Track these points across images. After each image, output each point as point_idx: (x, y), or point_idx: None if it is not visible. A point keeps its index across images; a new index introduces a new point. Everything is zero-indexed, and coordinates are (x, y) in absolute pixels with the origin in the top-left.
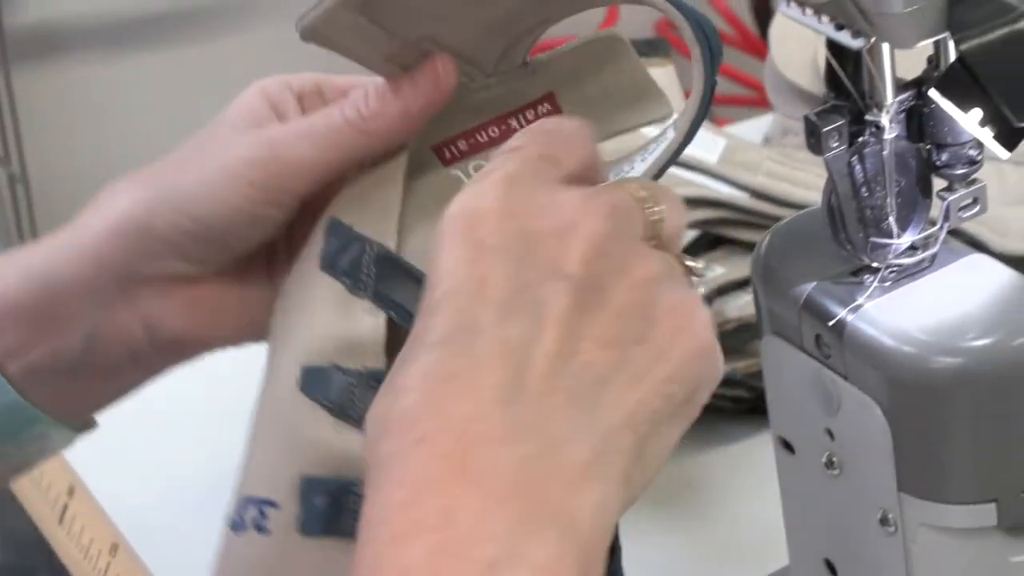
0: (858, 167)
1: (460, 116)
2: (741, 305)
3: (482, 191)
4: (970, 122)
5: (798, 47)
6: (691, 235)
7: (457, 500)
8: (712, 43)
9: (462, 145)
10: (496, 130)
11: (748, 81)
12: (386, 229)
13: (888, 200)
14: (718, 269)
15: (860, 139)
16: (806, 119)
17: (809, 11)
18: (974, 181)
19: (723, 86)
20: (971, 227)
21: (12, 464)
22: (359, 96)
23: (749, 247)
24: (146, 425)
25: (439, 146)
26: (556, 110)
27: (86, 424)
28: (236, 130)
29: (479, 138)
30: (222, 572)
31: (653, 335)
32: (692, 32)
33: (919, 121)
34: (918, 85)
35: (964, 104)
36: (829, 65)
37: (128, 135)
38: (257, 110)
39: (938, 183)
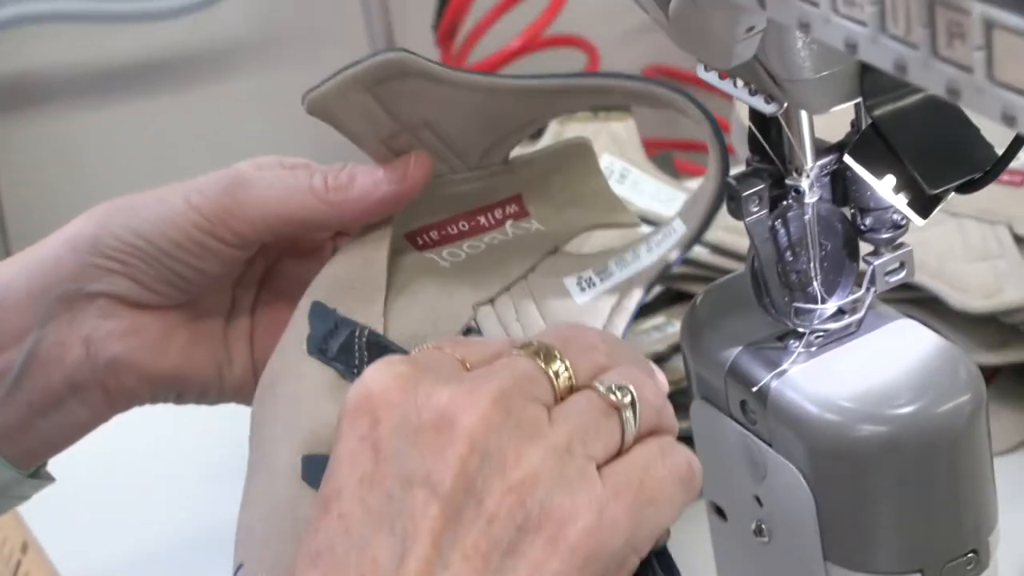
0: (782, 231)
1: (437, 205)
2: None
3: (377, 372)
4: (885, 189)
5: None
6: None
7: None
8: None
9: (434, 235)
10: (465, 224)
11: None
12: (373, 313)
13: (812, 265)
14: (678, 324)
15: (783, 203)
16: (726, 183)
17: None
18: (900, 245)
19: (690, 128)
20: (931, 283)
21: None
22: (331, 169)
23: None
24: (102, 482)
25: (412, 234)
26: (522, 211)
27: (38, 474)
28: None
29: (449, 230)
30: None
31: (526, 546)
32: (711, 130)
33: (843, 184)
34: (840, 148)
35: (878, 170)
36: (751, 129)
37: (108, 184)
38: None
39: (865, 247)
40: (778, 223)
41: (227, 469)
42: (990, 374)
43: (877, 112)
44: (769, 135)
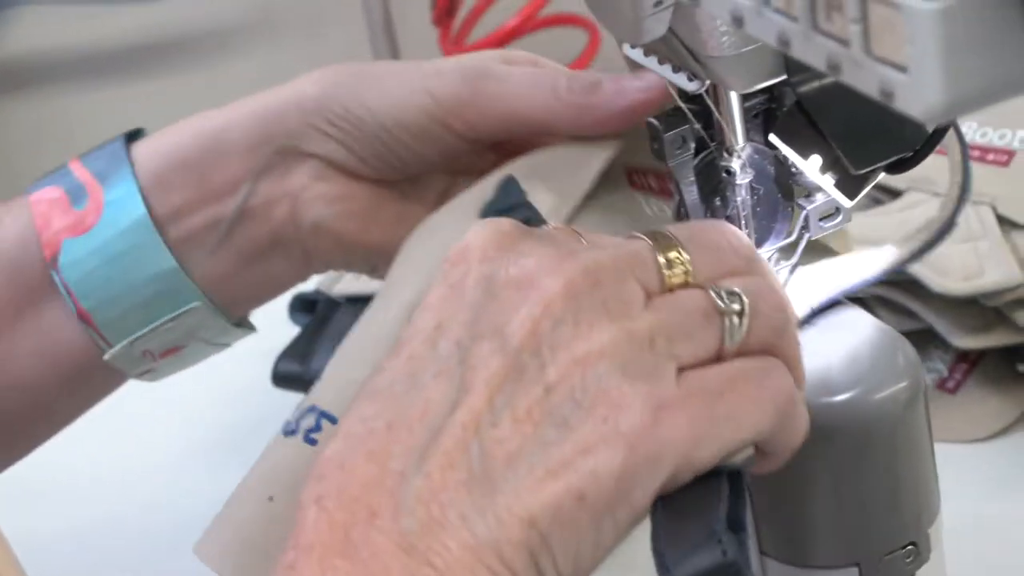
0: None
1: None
2: None
3: (482, 227)
4: (811, 169)
5: None
6: None
7: (332, 574)
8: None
9: (652, 182)
10: (655, 183)
11: None
12: (560, 212)
13: (743, 214)
14: None
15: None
16: (648, 124)
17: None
18: None
19: None
20: (911, 266)
21: (166, 341)
22: (577, 73)
23: None
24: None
25: (632, 170)
26: None
27: (241, 323)
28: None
29: (669, 185)
30: (258, 469)
31: (580, 423)
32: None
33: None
34: (769, 91)
35: (804, 150)
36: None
37: None
38: None
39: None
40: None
41: (199, 458)
42: (975, 358)
43: (802, 90)
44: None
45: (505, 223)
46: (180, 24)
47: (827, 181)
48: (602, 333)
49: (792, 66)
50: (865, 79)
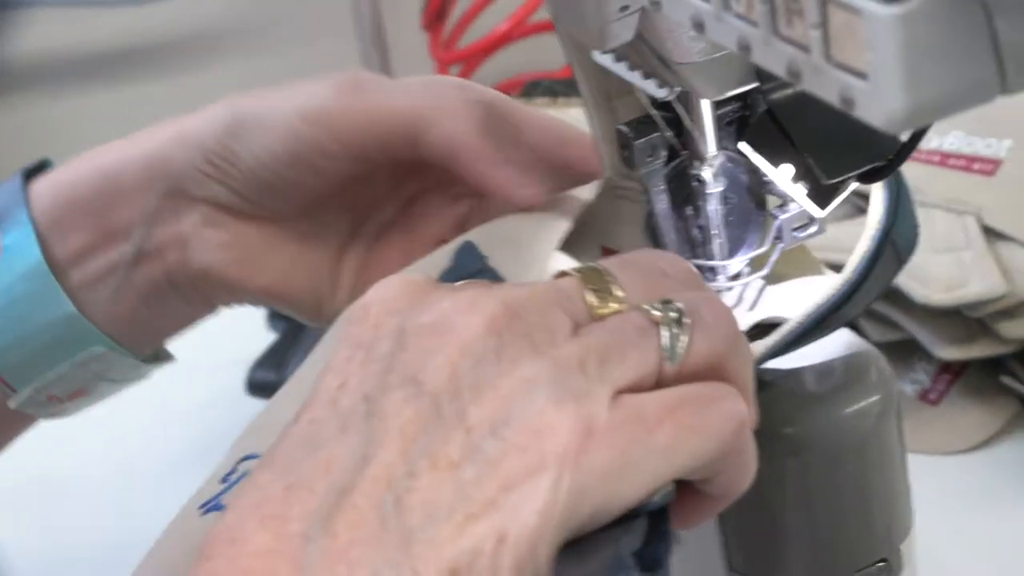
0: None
1: (632, 221)
2: None
3: (386, 283)
4: (782, 179)
5: None
6: None
7: None
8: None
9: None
10: None
11: None
12: (527, 277)
13: (718, 244)
14: None
15: (690, 184)
16: (617, 130)
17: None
18: None
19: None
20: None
21: (72, 385)
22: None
23: None
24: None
25: (608, 251)
26: None
27: (158, 355)
28: None
29: None
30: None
31: (502, 456)
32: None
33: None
34: (742, 97)
35: (774, 159)
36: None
37: None
38: None
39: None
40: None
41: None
42: (958, 369)
43: (773, 97)
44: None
45: (395, 278)
46: (168, 28)
47: (799, 191)
48: (527, 364)
49: (764, 73)
50: (826, 86)
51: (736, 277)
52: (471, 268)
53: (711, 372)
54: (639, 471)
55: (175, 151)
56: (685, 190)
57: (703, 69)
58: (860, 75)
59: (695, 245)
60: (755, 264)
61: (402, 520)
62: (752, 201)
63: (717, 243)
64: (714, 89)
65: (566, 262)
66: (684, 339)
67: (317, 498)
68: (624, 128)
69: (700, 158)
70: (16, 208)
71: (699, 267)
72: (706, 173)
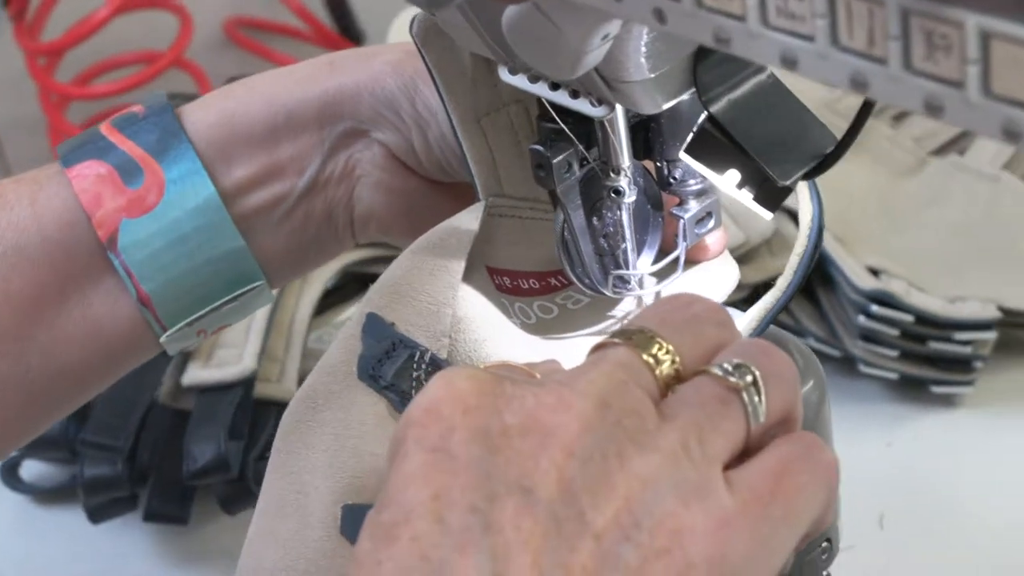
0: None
1: (518, 237)
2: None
3: (443, 381)
4: (727, 184)
5: None
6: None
7: None
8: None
9: (507, 281)
10: (536, 283)
11: None
12: (437, 330)
13: (629, 251)
14: None
15: (600, 198)
16: (533, 150)
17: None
18: (706, 194)
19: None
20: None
21: (223, 319)
22: None
23: None
24: None
25: (492, 271)
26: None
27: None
28: None
29: (520, 284)
30: None
31: (646, 562)
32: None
33: (644, 137)
34: None
35: (719, 166)
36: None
37: None
38: None
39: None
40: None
41: None
42: None
43: (715, 106)
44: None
45: (464, 370)
46: None
47: (745, 196)
48: (636, 461)
49: (702, 83)
50: (981, 120)
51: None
52: (384, 344)
53: (783, 419)
54: (773, 547)
55: (364, 95)
56: (593, 198)
57: (646, 86)
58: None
59: (603, 255)
60: (665, 267)
61: None
62: (649, 203)
63: (629, 250)
64: (655, 103)
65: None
66: (763, 401)
67: None
68: (540, 148)
69: (615, 169)
70: (175, 140)
71: (617, 279)
72: (623, 183)
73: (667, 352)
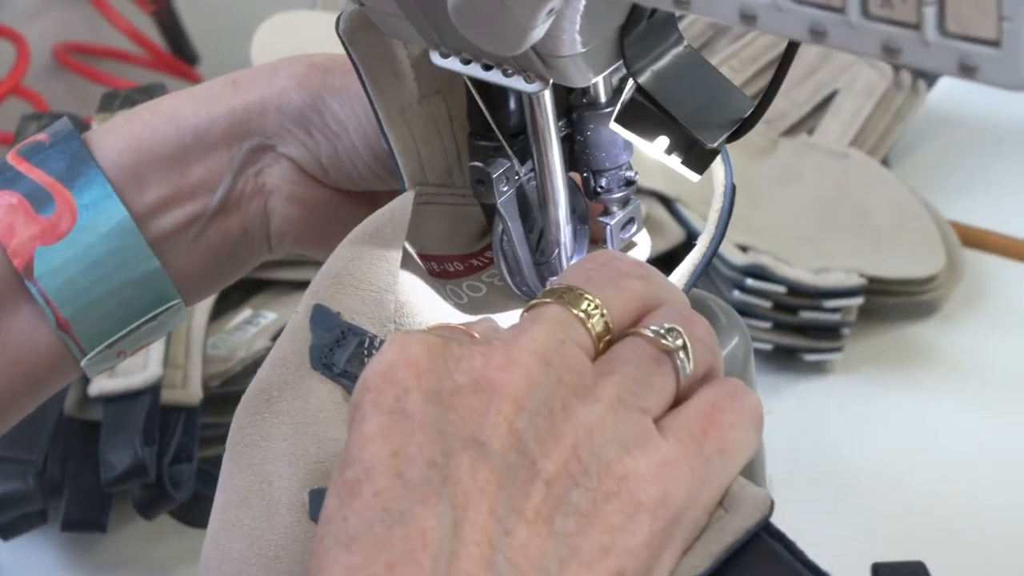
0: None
1: (442, 224)
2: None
3: (397, 346)
4: (656, 151)
5: None
6: None
7: None
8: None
9: (434, 266)
10: (460, 264)
11: None
12: (381, 316)
13: (558, 237)
14: (269, 315)
15: (519, 178)
16: (473, 167)
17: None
18: (628, 200)
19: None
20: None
21: (141, 340)
22: None
23: (295, 285)
24: None
25: (422, 255)
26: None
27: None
28: None
29: (447, 267)
30: None
31: (595, 506)
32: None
33: (570, 148)
34: (567, 114)
35: (648, 134)
36: (478, 110)
37: None
38: None
39: None
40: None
41: None
42: None
43: (642, 77)
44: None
45: (414, 335)
46: None
47: (674, 160)
48: (580, 412)
49: (629, 55)
50: (938, 58)
51: None
52: (334, 333)
53: (706, 377)
54: (710, 481)
55: (270, 110)
56: (523, 209)
57: (578, 60)
58: (988, 43)
59: (540, 263)
60: None
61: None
62: (575, 214)
63: (564, 257)
64: (587, 76)
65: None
66: (691, 361)
67: (426, 572)
68: (479, 164)
69: (548, 176)
70: (83, 166)
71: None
72: (555, 190)
73: (595, 307)
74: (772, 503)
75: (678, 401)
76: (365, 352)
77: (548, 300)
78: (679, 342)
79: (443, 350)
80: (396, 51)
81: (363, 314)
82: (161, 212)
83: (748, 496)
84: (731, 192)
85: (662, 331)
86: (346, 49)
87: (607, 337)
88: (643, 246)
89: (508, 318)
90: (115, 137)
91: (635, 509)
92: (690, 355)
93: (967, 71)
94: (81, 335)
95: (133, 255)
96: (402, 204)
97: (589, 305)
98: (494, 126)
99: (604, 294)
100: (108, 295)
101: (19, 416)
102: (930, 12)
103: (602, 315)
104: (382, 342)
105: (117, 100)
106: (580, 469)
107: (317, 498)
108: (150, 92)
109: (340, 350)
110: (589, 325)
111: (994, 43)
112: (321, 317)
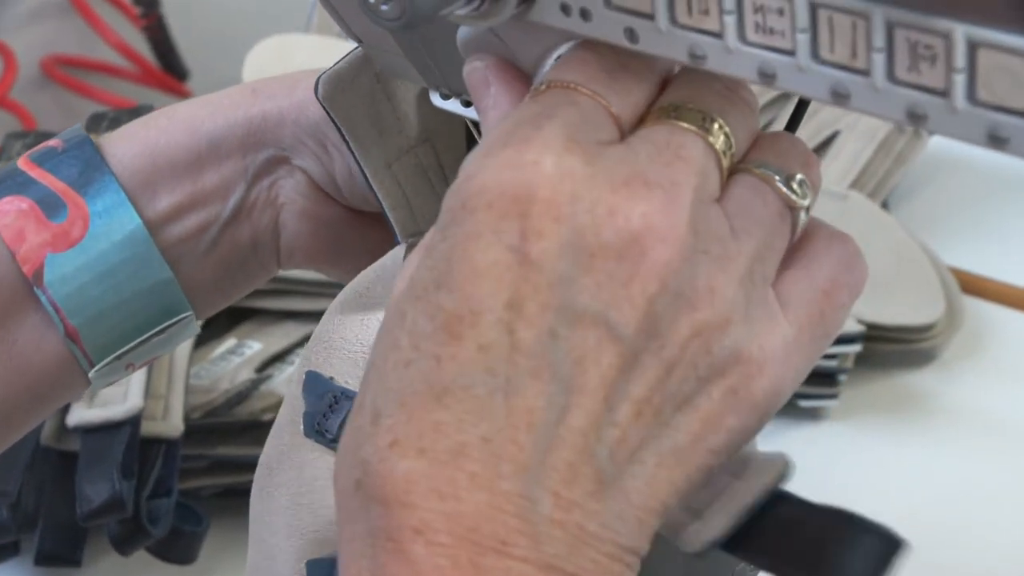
0: None
1: None
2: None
3: (529, 159)
4: None
5: None
6: None
7: None
8: None
9: None
10: None
11: None
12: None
13: None
14: (254, 345)
15: None
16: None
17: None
18: None
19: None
20: None
21: (152, 352)
22: None
23: (281, 315)
24: None
25: None
26: None
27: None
28: None
29: None
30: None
31: (702, 397)
32: None
33: None
34: None
35: None
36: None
37: None
38: None
39: None
40: None
41: None
42: None
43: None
44: None
45: (550, 149)
46: None
47: None
48: (722, 291)
49: None
50: (966, 126)
51: None
52: (326, 399)
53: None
54: (812, 365)
55: (288, 121)
56: None
57: None
58: (1020, 114)
59: None
60: None
61: (615, 471)
62: None
63: None
64: None
65: None
66: (806, 218)
67: (524, 454)
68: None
69: None
70: (97, 172)
71: None
72: None
73: (726, 137)
74: (788, 463)
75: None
76: None
77: (687, 126)
78: (807, 201)
79: (590, 190)
80: (380, 107)
81: (356, 377)
82: (174, 220)
83: (764, 457)
84: None
85: (794, 183)
86: (327, 112)
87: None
88: None
89: None
90: (129, 143)
91: (745, 401)
92: (806, 213)
93: (997, 142)
94: (90, 345)
95: (145, 264)
96: (392, 260)
97: (722, 138)
98: None
99: (732, 123)
100: (119, 305)
101: (25, 429)
102: (960, 80)
103: (732, 152)
104: None
105: (105, 121)
106: (707, 357)
107: (313, 568)
108: (139, 113)
109: (333, 416)
110: (724, 166)
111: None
112: (313, 383)
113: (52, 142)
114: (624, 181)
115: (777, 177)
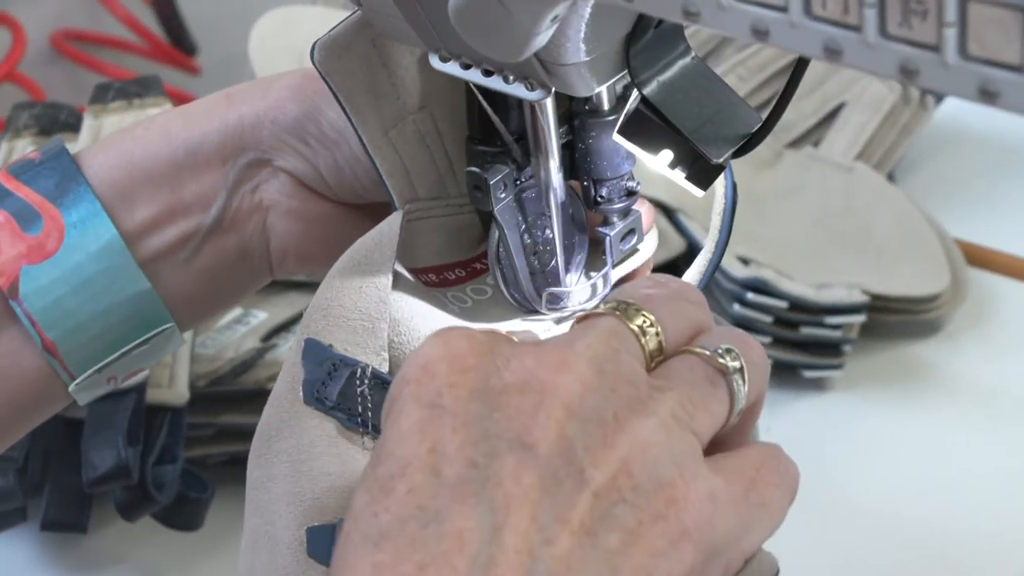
0: (519, 215)
1: (435, 237)
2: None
3: (439, 340)
4: (660, 165)
5: (284, 59)
6: None
7: None
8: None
9: (432, 277)
10: (462, 271)
11: (180, 96)
12: (374, 345)
13: (557, 246)
14: (260, 314)
15: (519, 185)
16: (470, 172)
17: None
18: (629, 211)
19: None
20: None
21: (134, 364)
22: None
23: (286, 285)
24: None
25: (415, 270)
26: None
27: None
28: None
29: (447, 275)
30: None
31: (642, 526)
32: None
33: (570, 156)
34: (569, 120)
35: (652, 147)
36: (479, 113)
37: None
38: None
39: None
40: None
41: None
42: None
43: (648, 89)
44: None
45: (455, 332)
46: None
47: (678, 175)
48: (634, 425)
49: (635, 65)
50: (958, 81)
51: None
52: (325, 366)
53: (753, 407)
54: (750, 532)
55: (265, 124)
56: (523, 216)
57: (582, 68)
58: (1012, 68)
59: (535, 273)
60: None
61: None
62: (574, 224)
63: (562, 267)
64: (590, 86)
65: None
66: (745, 384)
67: (459, 575)
68: (476, 169)
69: (546, 185)
70: (73, 183)
71: (551, 296)
72: (553, 168)
73: (651, 324)
74: (778, 570)
75: (722, 432)
76: (358, 382)
77: (602, 312)
78: (736, 364)
79: (491, 347)
80: (376, 73)
81: (356, 344)
82: (152, 231)
83: (758, 559)
84: (732, 190)
85: (720, 351)
86: (324, 79)
87: (659, 357)
88: (647, 247)
89: (513, 325)
90: (106, 155)
91: (680, 536)
92: (745, 378)
93: (988, 96)
94: (69, 358)
95: (123, 275)
96: (390, 227)
97: (645, 321)
98: (501, 130)
99: (660, 313)
100: (97, 317)
101: (8, 441)
102: (951, 34)
103: (657, 333)
104: (375, 370)
105: (111, 91)
106: (630, 485)
107: (314, 535)
108: (145, 84)
109: (332, 383)
110: (643, 341)
111: (1018, 68)
112: (312, 351)
113: (31, 154)
114: (523, 345)
115: (703, 349)
